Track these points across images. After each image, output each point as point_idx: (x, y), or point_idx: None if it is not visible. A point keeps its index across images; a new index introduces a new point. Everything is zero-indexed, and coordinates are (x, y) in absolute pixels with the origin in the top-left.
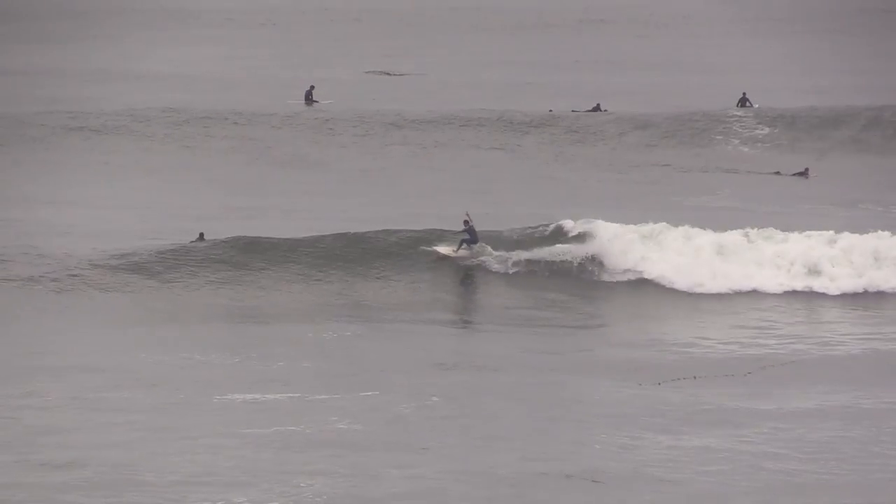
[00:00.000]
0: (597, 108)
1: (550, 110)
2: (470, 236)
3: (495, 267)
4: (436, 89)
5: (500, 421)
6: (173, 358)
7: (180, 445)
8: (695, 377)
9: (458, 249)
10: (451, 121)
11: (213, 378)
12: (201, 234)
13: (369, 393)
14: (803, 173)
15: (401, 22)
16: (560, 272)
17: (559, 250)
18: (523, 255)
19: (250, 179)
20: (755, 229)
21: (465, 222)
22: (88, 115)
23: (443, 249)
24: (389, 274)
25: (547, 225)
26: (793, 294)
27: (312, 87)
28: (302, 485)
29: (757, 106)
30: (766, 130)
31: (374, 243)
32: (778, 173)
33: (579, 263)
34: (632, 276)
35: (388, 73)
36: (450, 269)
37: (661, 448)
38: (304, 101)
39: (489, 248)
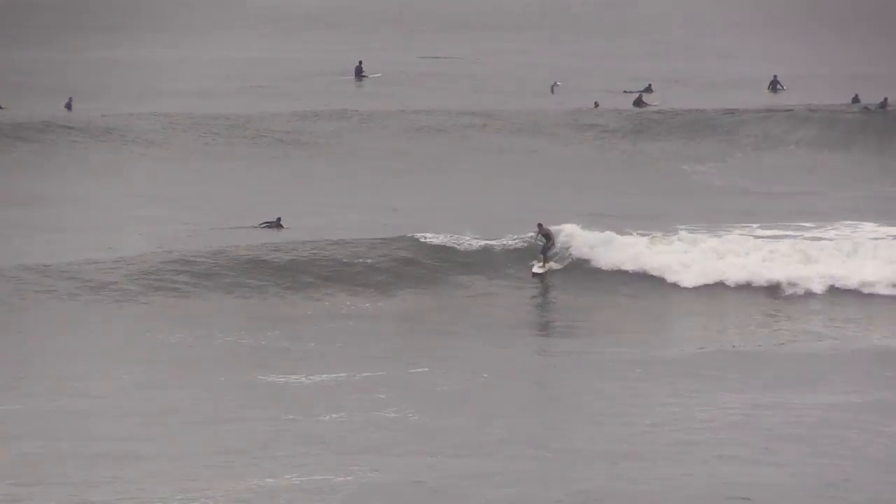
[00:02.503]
0: (648, 89)
1: (596, 103)
2: (546, 242)
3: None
4: (484, 76)
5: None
6: None
7: None
8: None
9: (545, 263)
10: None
11: None
12: (278, 219)
13: None
14: None
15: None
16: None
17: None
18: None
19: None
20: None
21: (539, 226)
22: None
23: (537, 269)
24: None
25: None
26: None
27: (361, 62)
28: None
29: (786, 88)
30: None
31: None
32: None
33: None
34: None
35: (438, 57)
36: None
37: None
38: (354, 77)
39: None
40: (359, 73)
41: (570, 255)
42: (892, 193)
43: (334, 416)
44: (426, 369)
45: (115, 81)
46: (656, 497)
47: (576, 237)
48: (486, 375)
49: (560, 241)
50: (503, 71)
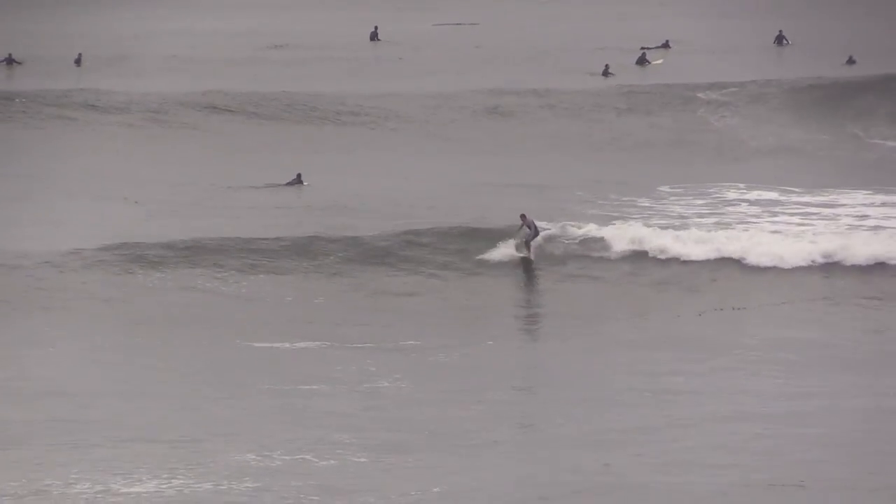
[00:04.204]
0: (666, 45)
1: (607, 66)
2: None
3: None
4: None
5: None
6: None
7: None
8: None
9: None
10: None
11: None
12: (298, 175)
13: None
14: None
15: None
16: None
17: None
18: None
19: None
20: None
21: (523, 217)
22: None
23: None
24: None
25: None
26: None
27: (377, 28)
28: None
29: (791, 43)
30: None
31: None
32: None
33: None
34: None
35: (459, 24)
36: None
37: None
38: (370, 40)
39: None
40: (374, 36)
41: None
42: None
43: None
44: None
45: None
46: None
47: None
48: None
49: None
50: (518, 38)
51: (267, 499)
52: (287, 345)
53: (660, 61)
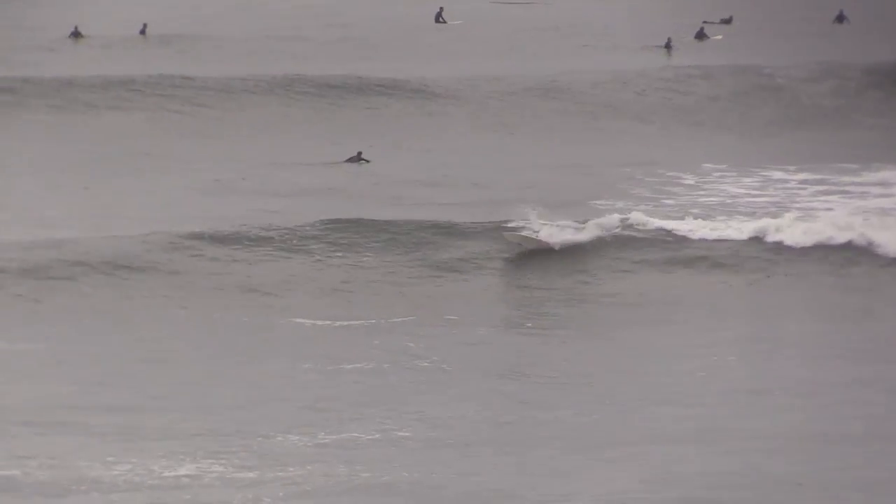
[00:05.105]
0: (728, 21)
1: (669, 39)
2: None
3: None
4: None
5: None
6: None
7: None
8: None
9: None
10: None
11: None
12: (359, 153)
13: None
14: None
15: None
16: None
17: None
18: None
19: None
20: None
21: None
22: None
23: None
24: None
25: None
26: None
27: (442, 9)
28: None
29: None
30: None
31: None
32: None
33: None
34: None
35: (528, 3)
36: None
37: None
38: (434, 21)
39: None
40: (438, 17)
41: None
42: None
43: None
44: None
45: None
46: None
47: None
48: None
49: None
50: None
51: (317, 482)
52: (330, 322)
53: (719, 36)
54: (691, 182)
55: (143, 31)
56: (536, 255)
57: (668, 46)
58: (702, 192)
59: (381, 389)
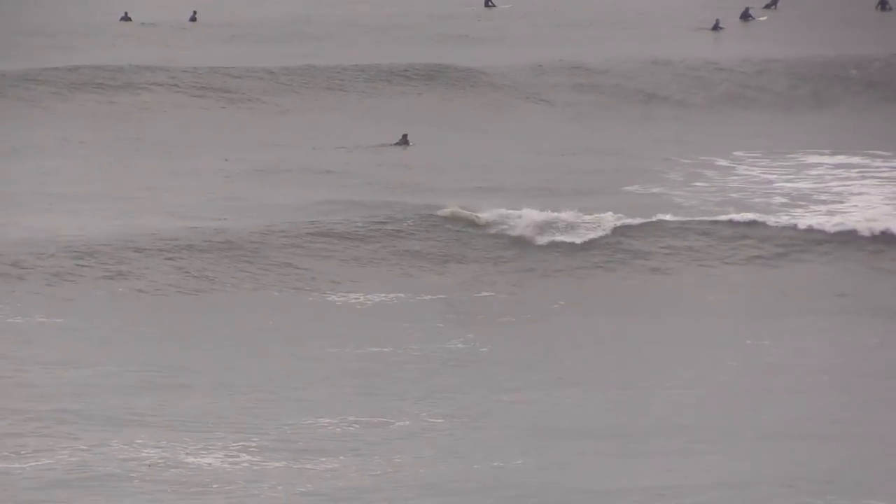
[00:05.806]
0: (773, 4)
1: (717, 20)
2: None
3: None
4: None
5: None
6: None
7: None
8: None
9: None
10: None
11: None
12: (405, 136)
13: None
14: None
15: None
16: None
17: None
18: None
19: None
20: None
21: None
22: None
23: None
24: None
25: None
26: None
27: None
28: None
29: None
30: None
31: None
32: None
33: None
34: None
35: None
36: None
37: None
38: (483, 5)
39: None
40: (488, 1)
41: None
42: None
43: None
44: None
45: None
46: None
47: None
48: None
49: None
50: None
51: (351, 476)
52: (364, 302)
53: (763, 18)
54: (725, 166)
55: (193, 18)
56: (566, 243)
57: (716, 28)
58: (735, 178)
59: (420, 375)
